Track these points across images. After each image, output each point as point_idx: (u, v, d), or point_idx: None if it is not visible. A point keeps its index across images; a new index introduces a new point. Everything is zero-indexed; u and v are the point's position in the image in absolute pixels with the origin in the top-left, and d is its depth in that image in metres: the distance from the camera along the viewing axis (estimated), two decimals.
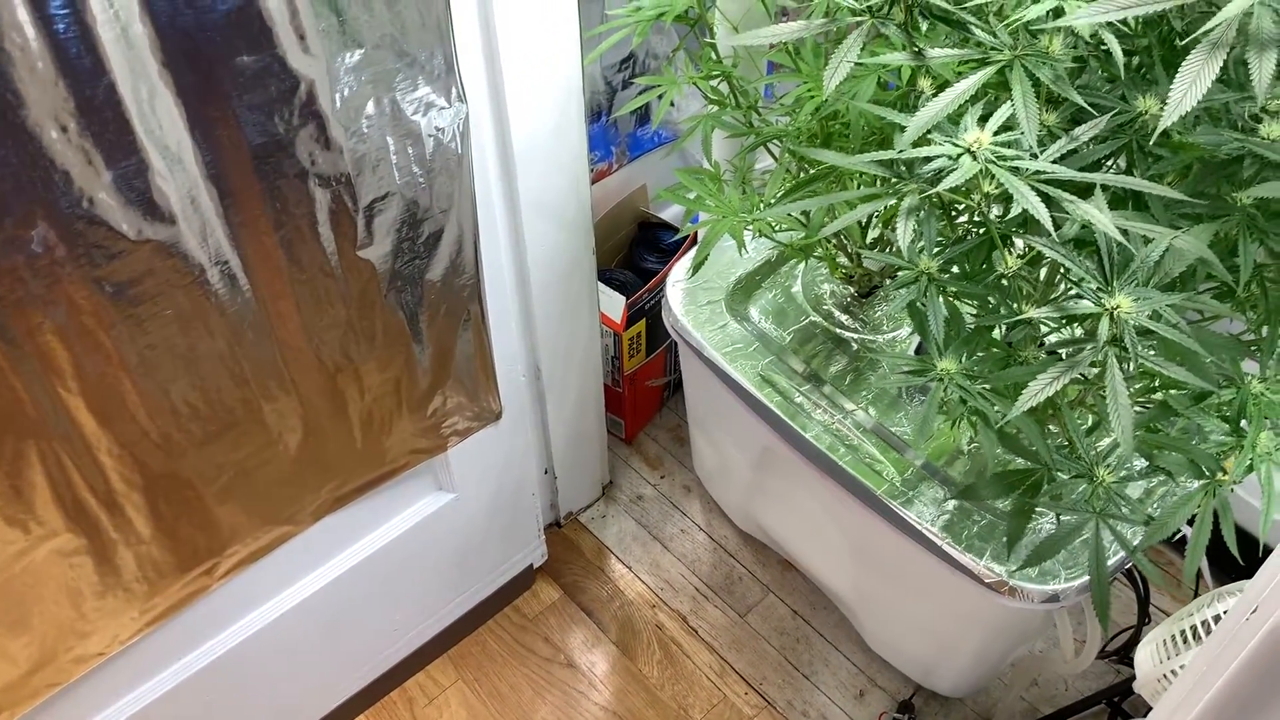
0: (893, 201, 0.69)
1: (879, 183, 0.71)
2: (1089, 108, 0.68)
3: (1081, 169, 0.73)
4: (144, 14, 0.62)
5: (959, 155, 0.66)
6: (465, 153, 0.87)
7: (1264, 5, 0.57)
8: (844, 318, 1.20)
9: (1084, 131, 0.69)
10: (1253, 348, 0.81)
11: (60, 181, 0.65)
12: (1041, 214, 0.62)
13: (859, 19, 0.73)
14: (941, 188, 0.63)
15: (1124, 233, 0.69)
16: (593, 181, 1.49)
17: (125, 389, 0.78)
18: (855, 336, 1.18)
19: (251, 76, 0.70)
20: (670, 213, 1.59)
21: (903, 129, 0.68)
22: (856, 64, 0.71)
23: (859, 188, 0.82)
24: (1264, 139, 0.70)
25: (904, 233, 0.66)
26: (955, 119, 0.69)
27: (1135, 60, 0.77)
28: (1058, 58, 0.69)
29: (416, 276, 0.92)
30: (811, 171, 0.97)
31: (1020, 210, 0.71)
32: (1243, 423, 0.76)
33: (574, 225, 1.12)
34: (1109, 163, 0.75)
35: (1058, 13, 0.67)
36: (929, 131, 0.68)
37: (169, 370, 0.80)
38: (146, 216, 0.71)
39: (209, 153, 0.71)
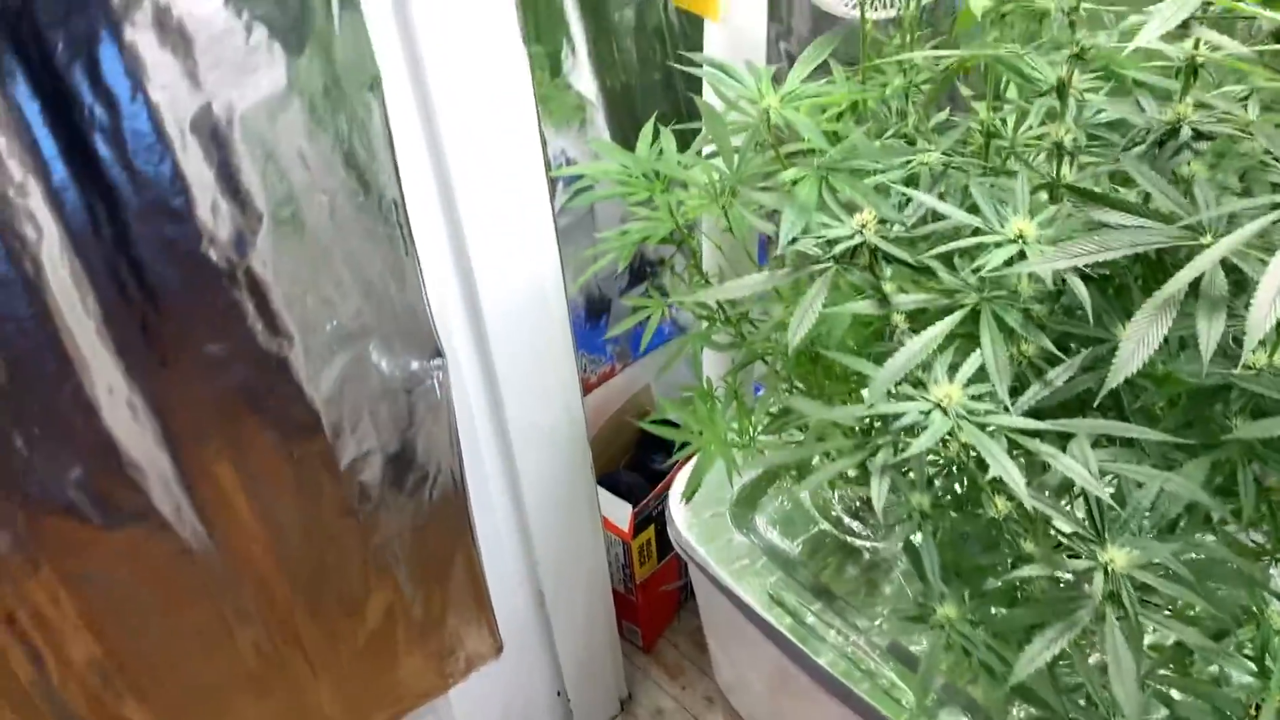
0: (871, 457, 0.67)
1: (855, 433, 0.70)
2: (1058, 352, 0.66)
3: (1066, 402, 0.71)
4: (105, 320, 0.63)
5: (929, 411, 0.64)
6: (446, 401, 0.87)
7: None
8: (854, 524, 1.16)
9: (1058, 374, 0.67)
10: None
11: (31, 479, 0.65)
12: (1015, 479, 0.59)
13: (824, 266, 0.73)
14: (914, 450, 0.61)
15: (1113, 475, 0.66)
16: (596, 384, 1.50)
17: (102, 658, 0.76)
18: (867, 545, 1.14)
19: (221, 361, 0.70)
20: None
21: (859, 374, 0.66)
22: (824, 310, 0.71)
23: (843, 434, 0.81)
24: (1250, 368, 0.68)
25: (877, 494, 0.64)
26: (926, 366, 0.68)
27: (1125, 281, 0.76)
28: (1027, 302, 0.68)
29: (403, 522, 0.91)
30: (801, 391, 0.96)
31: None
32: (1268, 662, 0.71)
33: (569, 447, 1.11)
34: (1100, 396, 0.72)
35: (1022, 256, 0.66)
36: (900, 382, 0.67)
37: (151, 637, 0.78)
38: (119, 505, 0.70)
39: (181, 437, 0.71)
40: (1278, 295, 0.50)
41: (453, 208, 0.82)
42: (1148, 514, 0.65)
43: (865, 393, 0.69)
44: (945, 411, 0.63)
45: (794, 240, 0.73)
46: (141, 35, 0.55)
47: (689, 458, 1.43)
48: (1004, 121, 0.86)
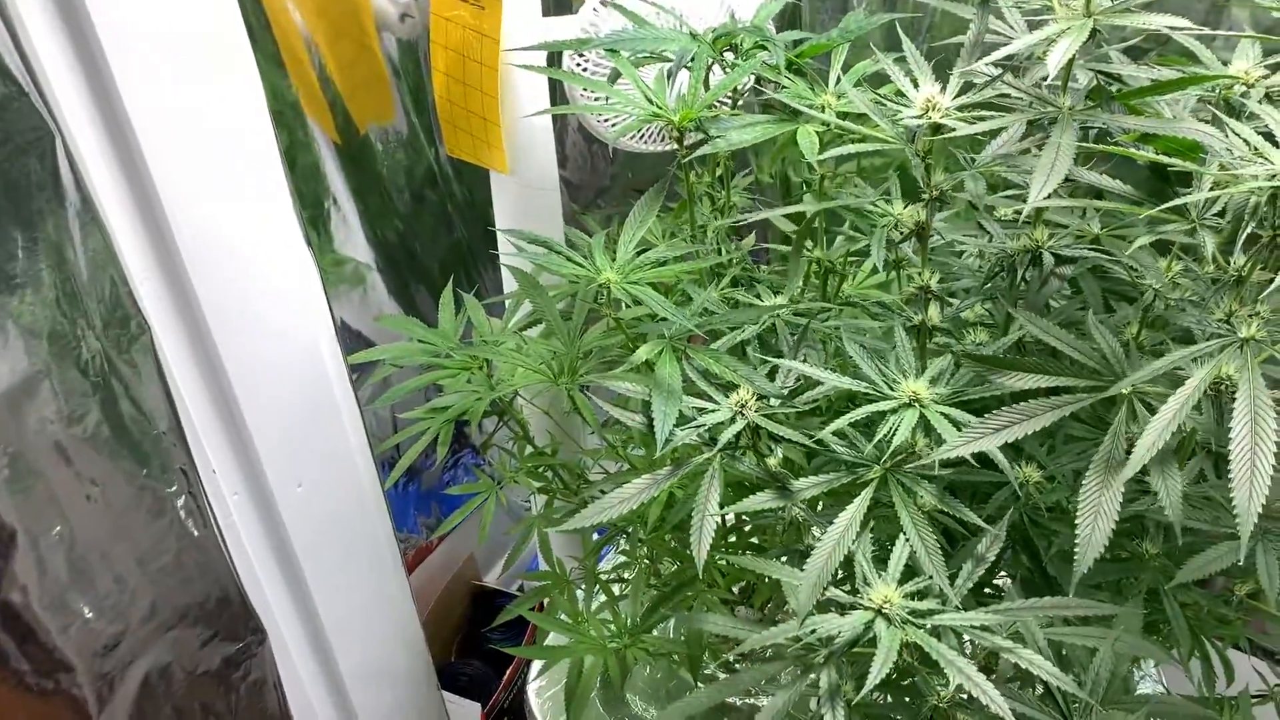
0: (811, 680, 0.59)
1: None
2: (984, 525, 0.61)
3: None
4: None
5: (871, 621, 0.56)
6: (270, 675, 0.71)
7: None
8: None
9: (989, 547, 0.61)
10: None
11: None
12: (985, 690, 0.52)
13: (706, 458, 0.64)
14: (872, 682, 0.53)
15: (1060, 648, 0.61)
16: (416, 562, 1.34)
17: None
18: (750, 703, 1.05)
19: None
20: (508, 579, 1.45)
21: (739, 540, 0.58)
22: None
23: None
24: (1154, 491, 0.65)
25: None
26: (848, 561, 0.61)
27: None
28: (932, 468, 0.62)
29: None
30: (676, 573, 0.87)
31: None
32: None
33: (409, 677, 0.96)
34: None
35: (927, 431, 0.61)
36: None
37: None
38: None
39: None
40: (1252, 476, 0.45)
41: (249, 450, 0.68)
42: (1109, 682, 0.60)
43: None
44: (889, 619, 0.56)
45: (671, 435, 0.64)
46: None
47: (531, 634, 1.30)
48: (844, 260, 0.83)
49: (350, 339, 1.18)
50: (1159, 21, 0.55)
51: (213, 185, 0.63)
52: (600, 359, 0.78)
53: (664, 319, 0.69)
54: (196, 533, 0.60)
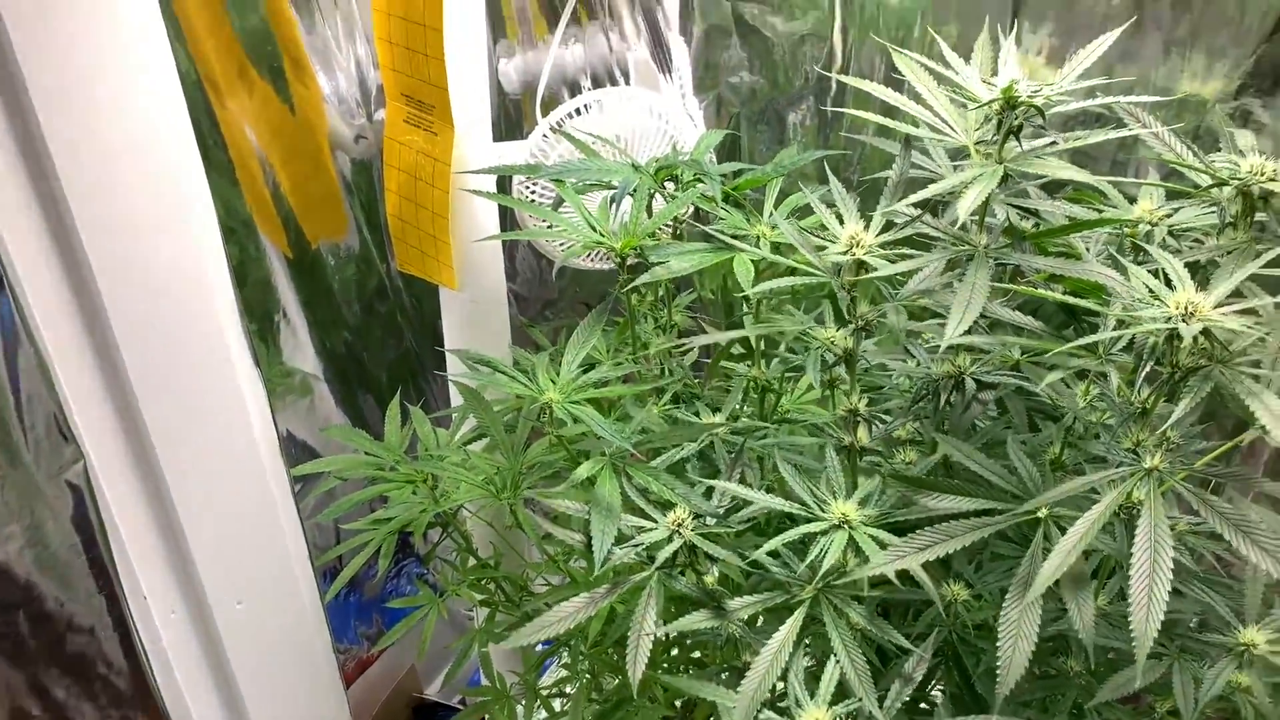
0: None
1: None
2: (910, 646, 0.62)
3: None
4: None
5: None
6: None
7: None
8: None
9: (915, 668, 0.63)
10: None
11: None
12: None
13: (644, 576, 0.66)
14: None
15: None
16: (356, 674, 1.32)
17: None
18: None
19: None
20: (449, 691, 1.42)
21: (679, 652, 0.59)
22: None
23: None
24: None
25: None
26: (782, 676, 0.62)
27: None
28: (861, 590, 0.63)
29: None
30: (617, 688, 0.87)
31: None
32: None
33: None
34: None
35: (852, 543, 0.62)
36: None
37: None
38: None
39: None
40: (1149, 602, 0.48)
41: (189, 569, 0.68)
42: None
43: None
44: None
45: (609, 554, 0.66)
46: None
47: None
48: (780, 378, 0.85)
49: (296, 449, 1.19)
50: (1065, 173, 0.59)
51: (160, 304, 0.65)
52: (543, 473, 0.79)
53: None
54: (121, 656, 0.60)
